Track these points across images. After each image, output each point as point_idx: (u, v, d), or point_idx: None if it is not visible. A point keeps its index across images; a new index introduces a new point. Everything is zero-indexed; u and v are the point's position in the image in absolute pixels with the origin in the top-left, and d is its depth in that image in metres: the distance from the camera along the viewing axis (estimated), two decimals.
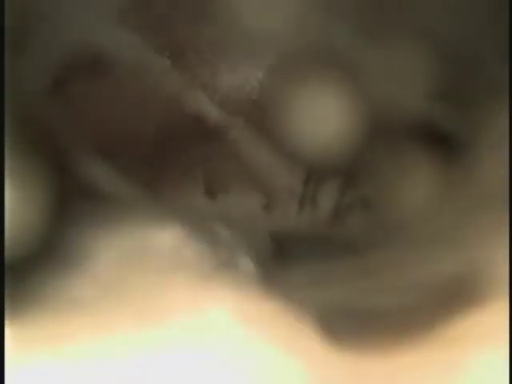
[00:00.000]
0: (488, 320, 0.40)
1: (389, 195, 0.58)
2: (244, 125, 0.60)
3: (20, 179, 0.51)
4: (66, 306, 0.44)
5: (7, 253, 0.42)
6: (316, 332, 0.42)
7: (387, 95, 0.61)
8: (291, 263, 0.58)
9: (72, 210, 0.55)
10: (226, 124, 0.60)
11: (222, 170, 0.60)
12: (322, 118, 0.59)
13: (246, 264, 0.57)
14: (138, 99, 0.59)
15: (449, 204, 0.54)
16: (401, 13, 0.60)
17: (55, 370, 0.41)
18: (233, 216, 0.61)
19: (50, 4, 0.58)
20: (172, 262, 0.54)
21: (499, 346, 0.37)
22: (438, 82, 0.59)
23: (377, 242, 0.54)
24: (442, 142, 0.58)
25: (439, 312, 0.39)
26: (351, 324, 0.43)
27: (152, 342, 0.44)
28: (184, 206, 0.59)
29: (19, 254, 0.45)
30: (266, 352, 0.43)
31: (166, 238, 0.56)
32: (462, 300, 0.41)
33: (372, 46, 0.60)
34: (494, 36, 0.54)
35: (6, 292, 0.40)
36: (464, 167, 0.55)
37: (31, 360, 0.42)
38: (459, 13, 0.59)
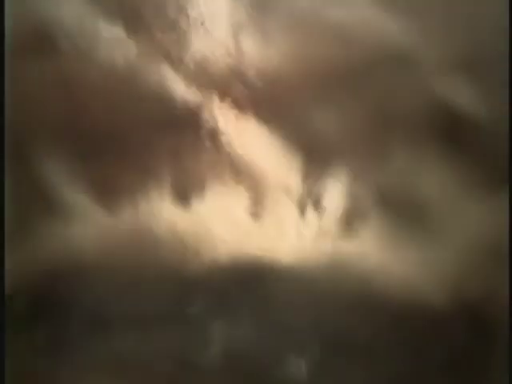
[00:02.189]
0: None
1: (406, 189, 0.43)
2: (221, 101, 0.46)
3: None
4: None
5: None
6: None
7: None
8: None
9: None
10: (197, 102, 0.46)
11: (195, 165, 0.46)
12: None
13: None
14: (86, 79, 0.46)
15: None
16: None
17: None
18: (210, 228, 0.46)
19: None
20: None
21: None
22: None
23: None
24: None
25: None
26: None
27: None
28: (147, 218, 0.45)
29: None
30: None
31: None
32: None
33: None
34: None
35: None
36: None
37: None
38: None
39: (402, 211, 0.45)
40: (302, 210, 0.46)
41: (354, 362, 0.42)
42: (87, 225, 0.45)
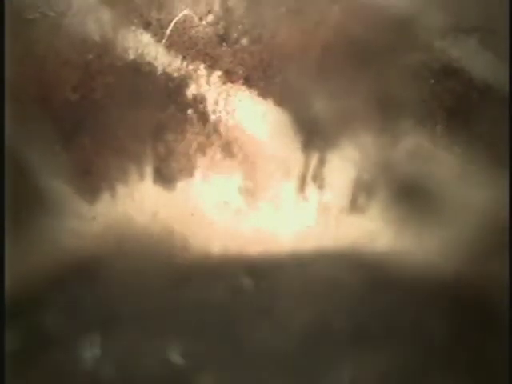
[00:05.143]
0: None
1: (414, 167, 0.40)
2: (208, 71, 0.41)
3: None
4: None
5: None
6: None
7: None
8: None
9: None
10: (181, 72, 0.41)
11: (180, 143, 0.42)
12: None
13: None
14: (56, 49, 0.41)
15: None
16: None
17: None
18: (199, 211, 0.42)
19: None
20: None
21: None
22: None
23: None
24: None
25: None
26: None
27: None
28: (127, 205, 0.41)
29: None
30: None
31: None
32: None
33: None
34: None
35: None
36: None
37: None
38: None
39: (408, 187, 0.41)
40: (302, 184, 0.42)
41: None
42: (63, 216, 0.41)
